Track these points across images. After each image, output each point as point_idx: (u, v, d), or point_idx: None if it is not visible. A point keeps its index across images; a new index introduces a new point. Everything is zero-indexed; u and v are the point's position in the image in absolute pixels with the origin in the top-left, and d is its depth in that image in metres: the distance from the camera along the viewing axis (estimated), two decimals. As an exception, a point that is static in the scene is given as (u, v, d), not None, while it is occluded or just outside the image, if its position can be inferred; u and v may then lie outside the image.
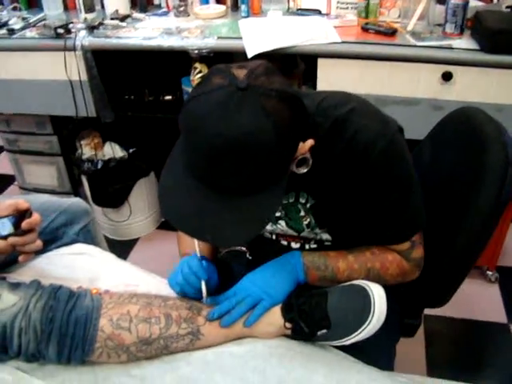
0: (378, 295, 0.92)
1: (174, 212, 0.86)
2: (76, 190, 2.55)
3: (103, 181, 2.29)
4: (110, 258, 1.30)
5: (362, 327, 0.91)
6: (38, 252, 1.25)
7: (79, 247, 1.32)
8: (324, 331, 0.94)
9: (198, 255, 1.05)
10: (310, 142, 0.87)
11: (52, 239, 1.31)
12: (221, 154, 0.74)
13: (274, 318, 0.98)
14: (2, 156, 3.14)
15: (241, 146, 0.74)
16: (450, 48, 1.79)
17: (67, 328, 0.92)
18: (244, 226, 0.82)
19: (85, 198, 2.49)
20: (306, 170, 0.90)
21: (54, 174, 2.52)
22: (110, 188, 2.31)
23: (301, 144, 0.86)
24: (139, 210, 2.47)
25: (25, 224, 0.99)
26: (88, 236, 1.39)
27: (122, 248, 2.48)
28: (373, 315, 0.91)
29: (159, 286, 1.14)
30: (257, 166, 0.76)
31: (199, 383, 0.91)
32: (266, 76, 0.78)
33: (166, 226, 2.59)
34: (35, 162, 2.51)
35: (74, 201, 1.42)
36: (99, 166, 2.25)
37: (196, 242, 1.05)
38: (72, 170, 2.51)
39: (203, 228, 0.82)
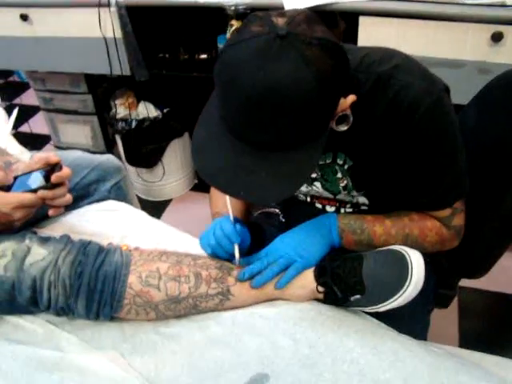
0: (416, 262, 0.88)
1: (206, 167, 0.82)
2: (110, 150, 2.55)
3: (137, 141, 2.28)
4: (142, 215, 1.28)
5: (398, 294, 0.87)
6: (69, 207, 1.25)
7: (110, 204, 1.30)
8: (357, 297, 0.90)
9: (231, 217, 1.02)
10: (351, 98, 0.82)
11: (83, 195, 1.30)
12: (257, 105, 0.70)
13: (307, 280, 0.95)
14: (39, 116, 3.17)
15: (279, 97, 0.69)
16: (503, 6, 1.67)
17: (96, 284, 0.91)
18: (279, 183, 0.78)
19: (119, 157, 2.49)
20: (345, 128, 0.85)
21: (88, 134, 2.52)
22: (144, 148, 2.30)
23: (342, 99, 0.81)
24: (172, 170, 2.46)
25: (54, 177, 0.97)
26: (120, 193, 1.38)
27: (154, 209, 2.48)
28: (410, 282, 0.86)
29: (190, 245, 1.11)
30: (295, 120, 0.72)
31: (227, 344, 0.89)
32: (307, 24, 0.73)
33: (199, 187, 2.58)
34: (70, 122, 2.51)
35: (107, 157, 1.40)
36: (133, 126, 2.23)
37: (228, 202, 1.02)
38: (106, 129, 2.50)
39: (236, 184, 0.79)
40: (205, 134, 0.83)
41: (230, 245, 1.00)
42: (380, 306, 0.89)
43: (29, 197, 0.96)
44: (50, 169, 1.01)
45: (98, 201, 1.31)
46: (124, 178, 1.42)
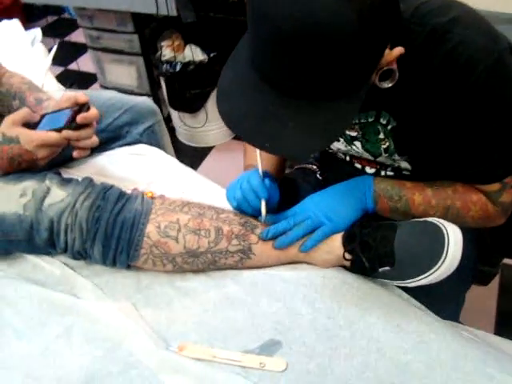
0: (453, 237, 0.79)
1: (230, 112, 0.75)
2: (155, 93, 2.51)
3: (181, 84, 2.22)
4: (172, 162, 1.24)
5: (431, 270, 0.79)
6: (99, 149, 1.22)
7: (142, 148, 1.26)
8: (387, 268, 0.83)
9: (260, 171, 0.95)
10: (398, 51, 0.73)
11: (115, 137, 1.26)
12: (289, 40, 0.61)
13: (334, 246, 0.89)
14: (87, 55, 3.15)
15: (314, 34, 0.60)
16: None
17: (113, 230, 0.88)
18: (309, 136, 0.70)
19: (163, 101, 2.46)
20: (390, 85, 0.76)
21: (133, 75, 2.48)
22: (188, 92, 2.24)
23: (387, 51, 0.72)
24: (216, 117, 2.39)
25: (79, 118, 0.93)
26: (153, 138, 1.33)
27: (195, 155, 2.45)
28: (445, 259, 0.78)
29: (218, 197, 1.06)
30: (332, 63, 0.63)
31: (243, 305, 0.85)
32: None
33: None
34: (116, 61, 2.47)
35: (141, 100, 1.35)
36: (177, 69, 2.17)
37: (258, 154, 0.95)
38: (152, 71, 2.45)
39: (261, 133, 0.71)
40: (232, 76, 0.76)
41: (256, 200, 0.94)
42: (410, 281, 0.82)
43: (53, 136, 0.92)
44: (78, 109, 0.97)
45: (129, 144, 1.28)
46: (159, 122, 1.37)
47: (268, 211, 0.95)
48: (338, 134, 0.83)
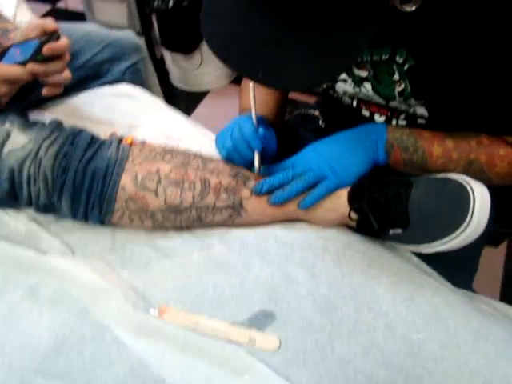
0: (480, 198, 0.67)
1: (215, 33, 0.61)
2: (147, 32, 2.33)
3: (174, 22, 2.05)
4: (158, 104, 1.10)
5: (452, 236, 0.67)
6: (77, 89, 1.09)
7: (124, 88, 1.12)
8: (399, 231, 0.71)
9: (254, 116, 0.82)
10: None
11: (94, 75, 1.12)
12: None
13: (338, 203, 0.77)
14: (74, -8, 2.95)
15: None
16: None
17: (82, 181, 0.76)
18: (312, 65, 0.57)
19: (156, 41, 2.29)
20: (413, 9, 0.62)
21: (124, 12, 2.29)
22: (181, 31, 2.07)
23: None
24: (212, 59, 2.22)
25: (46, 48, 0.79)
26: (137, 76, 1.19)
27: (189, 99, 2.30)
28: (469, 223, 0.66)
29: (206, 144, 0.94)
30: None
31: (232, 269, 0.74)
32: None
33: (240, 80, 2.35)
34: (106, -3, 2.29)
35: (124, 34, 1.20)
36: (170, 4, 1.99)
37: (252, 95, 0.81)
38: (143, 8, 2.27)
39: (254, 58, 0.58)
40: None
41: (248, 151, 0.81)
42: (425, 245, 0.70)
43: (15, 70, 0.79)
44: (47, 39, 0.82)
45: (110, 83, 1.14)
46: (143, 60, 1.23)
47: (263, 163, 0.82)
48: (349, 62, 0.69)
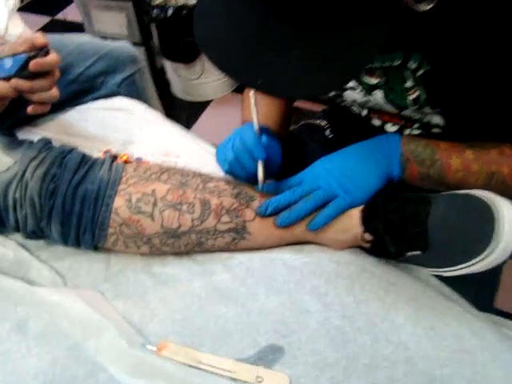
0: (507, 216, 0.60)
1: (209, 36, 0.56)
2: (146, 42, 2.28)
3: (173, 31, 1.99)
4: (155, 117, 1.05)
5: (477, 258, 0.60)
6: (70, 104, 1.03)
7: (119, 101, 1.07)
8: (417, 253, 0.65)
9: (256, 124, 0.76)
10: None
11: (87, 89, 1.07)
12: None
13: (350, 223, 0.70)
14: (72, 5, 2.90)
15: None
16: None
17: (72, 206, 0.70)
18: (317, 71, 0.52)
19: (156, 51, 2.24)
20: (427, 8, 0.57)
21: (123, 22, 2.24)
22: (181, 40, 2.02)
23: None
24: (213, 68, 2.18)
25: (33, 64, 0.73)
26: (132, 88, 1.13)
27: (191, 109, 2.24)
28: (496, 244, 0.59)
29: (207, 160, 0.88)
30: None
31: (236, 298, 0.68)
32: None
33: (242, 89, 2.29)
34: (104, 8, 2.23)
35: (119, 44, 1.14)
36: (169, 13, 1.94)
37: (253, 103, 0.75)
38: (142, 18, 2.22)
39: (253, 65, 0.53)
40: None
41: (251, 162, 0.75)
42: (447, 269, 0.63)
43: None
44: (35, 54, 0.77)
45: (105, 97, 1.08)
46: (140, 71, 1.17)
47: (267, 177, 0.76)
48: (358, 68, 0.62)
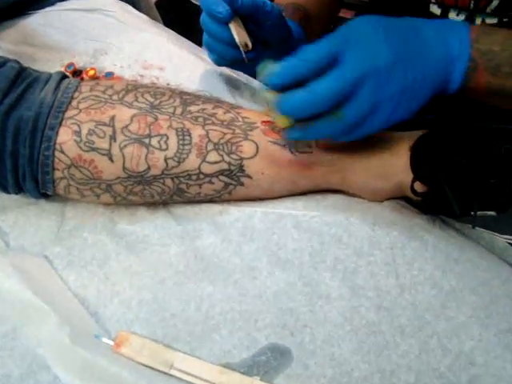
0: None
1: None
2: None
3: None
4: (141, 21, 0.81)
5: None
6: (34, 5, 0.82)
7: (96, 1, 0.83)
8: (492, 213, 0.43)
9: None
10: None
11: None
12: None
13: (393, 166, 0.48)
14: None
15: None
16: None
17: (3, 140, 0.50)
18: None
19: None
20: None
21: None
22: None
23: None
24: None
25: None
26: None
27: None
28: None
29: (202, 75, 0.66)
30: None
31: (227, 270, 0.48)
32: None
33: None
34: None
35: None
36: None
37: None
38: None
39: None
40: None
41: (221, 27, 0.56)
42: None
43: None
44: None
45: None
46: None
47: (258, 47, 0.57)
48: None
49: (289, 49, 0.52)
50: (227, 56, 0.60)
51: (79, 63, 0.70)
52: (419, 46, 0.45)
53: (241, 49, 0.55)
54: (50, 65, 0.68)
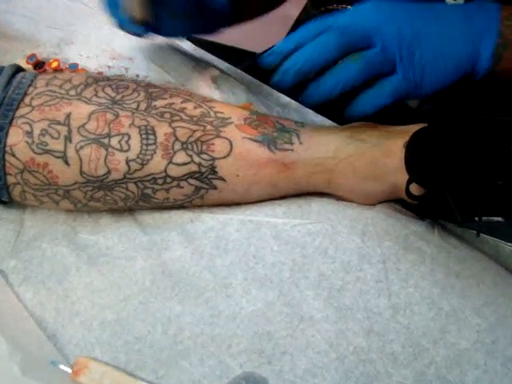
0: None
1: None
2: None
3: None
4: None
5: None
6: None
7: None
8: (498, 219, 0.37)
9: None
10: None
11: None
12: None
13: (385, 166, 0.43)
14: None
15: None
16: None
17: None
18: None
19: None
20: None
21: None
22: None
23: None
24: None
25: None
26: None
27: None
28: None
29: (171, 61, 0.61)
30: None
31: (198, 287, 0.42)
32: None
33: None
34: None
35: None
36: None
37: None
38: None
39: None
40: None
41: None
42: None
43: None
44: None
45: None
46: None
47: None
48: None
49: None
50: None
51: (42, 54, 0.63)
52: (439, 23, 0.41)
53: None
54: (10, 56, 0.62)
